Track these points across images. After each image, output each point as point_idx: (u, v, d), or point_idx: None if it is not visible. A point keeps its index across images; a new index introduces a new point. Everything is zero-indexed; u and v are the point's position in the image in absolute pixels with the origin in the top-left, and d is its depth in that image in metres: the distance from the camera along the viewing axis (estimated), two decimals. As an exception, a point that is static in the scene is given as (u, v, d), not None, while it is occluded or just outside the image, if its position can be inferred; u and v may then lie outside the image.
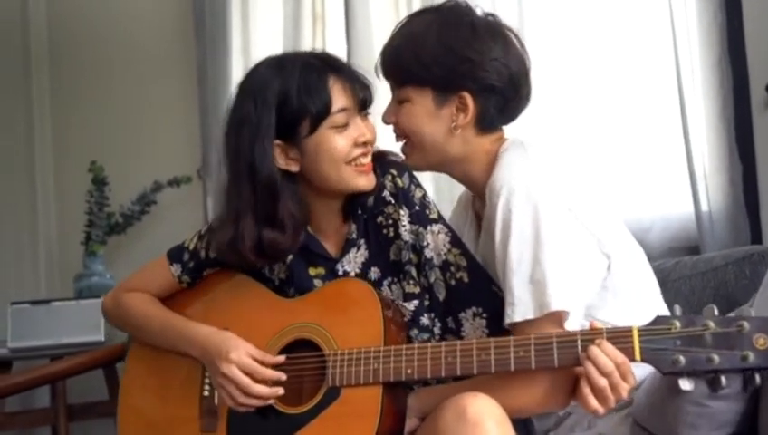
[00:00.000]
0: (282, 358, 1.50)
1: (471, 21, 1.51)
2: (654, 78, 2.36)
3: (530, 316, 1.38)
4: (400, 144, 1.60)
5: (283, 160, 1.52)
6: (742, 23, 2.25)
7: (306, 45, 2.70)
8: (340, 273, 1.60)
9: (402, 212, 1.55)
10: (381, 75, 1.59)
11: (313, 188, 1.56)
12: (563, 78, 2.37)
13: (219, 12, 2.82)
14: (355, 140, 1.51)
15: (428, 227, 1.54)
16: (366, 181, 1.53)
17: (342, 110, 1.49)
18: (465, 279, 1.51)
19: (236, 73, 2.77)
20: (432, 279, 1.54)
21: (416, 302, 1.54)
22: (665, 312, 1.48)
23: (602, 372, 1.24)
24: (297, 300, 1.59)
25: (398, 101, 1.55)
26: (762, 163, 2.25)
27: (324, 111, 1.48)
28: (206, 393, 1.56)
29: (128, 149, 2.99)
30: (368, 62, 1.68)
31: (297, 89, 1.48)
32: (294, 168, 1.53)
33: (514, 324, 1.40)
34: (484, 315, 1.49)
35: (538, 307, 1.37)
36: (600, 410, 1.25)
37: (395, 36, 1.57)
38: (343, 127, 1.50)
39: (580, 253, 1.43)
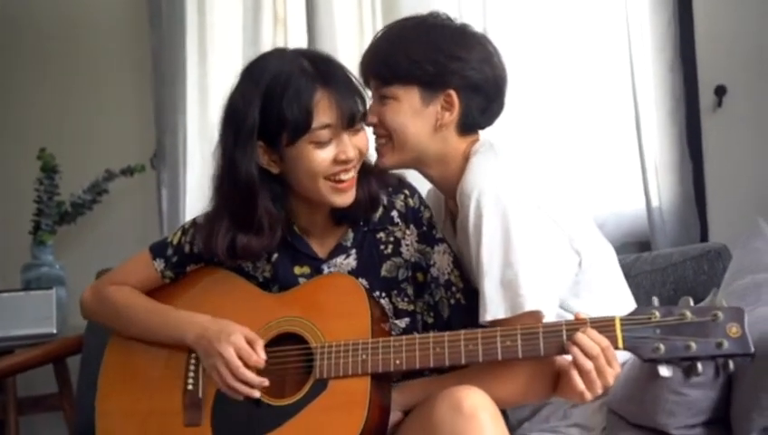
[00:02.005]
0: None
1: (458, 25, 1.57)
2: (610, 80, 2.45)
3: (500, 316, 1.42)
4: (380, 141, 1.60)
5: (265, 160, 1.51)
6: (693, 30, 2.36)
7: (266, 32, 2.67)
8: (326, 274, 1.61)
9: (408, 232, 1.59)
10: (364, 75, 1.60)
11: (291, 196, 1.56)
12: (524, 80, 2.42)
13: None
14: (335, 157, 1.48)
15: (435, 247, 1.58)
16: (342, 199, 1.51)
17: (326, 126, 1.46)
18: (463, 301, 1.55)
19: (192, 62, 2.73)
20: (437, 298, 1.57)
21: (407, 319, 1.57)
22: (633, 305, 1.56)
23: (588, 355, 1.29)
24: (282, 294, 1.59)
25: (381, 100, 1.56)
26: (709, 163, 2.37)
27: (304, 126, 1.45)
28: (191, 387, 1.56)
29: (78, 136, 2.90)
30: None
31: (281, 96, 1.45)
32: (275, 170, 1.52)
33: (496, 323, 1.43)
34: None
35: (510, 307, 1.41)
36: (587, 394, 1.31)
37: (381, 38, 1.60)
38: (325, 143, 1.47)
39: (551, 251, 1.47)
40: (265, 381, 1.48)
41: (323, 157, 1.47)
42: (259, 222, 1.52)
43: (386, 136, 1.58)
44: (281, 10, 2.72)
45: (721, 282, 1.80)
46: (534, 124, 2.48)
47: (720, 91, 2.35)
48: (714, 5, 2.36)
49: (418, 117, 1.54)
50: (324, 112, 1.45)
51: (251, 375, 1.46)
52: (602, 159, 2.47)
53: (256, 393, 1.48)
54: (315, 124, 1.45)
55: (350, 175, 1.51)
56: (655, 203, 2.36)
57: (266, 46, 2.67)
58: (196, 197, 2.75)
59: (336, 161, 1.48)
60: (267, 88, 1.46)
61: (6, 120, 2.96)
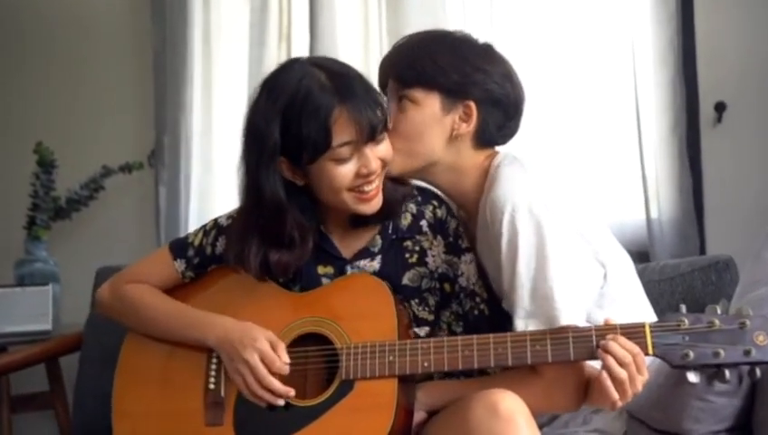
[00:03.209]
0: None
1: (483, 43, 1.60)
2: (613, 94, 2.49)
3: (536, 329, 1.43)
4: None
5: (289, 175, 1.51)
6: (694, 47, 2.41)
7: (273, 32, 2.66)
8: (350, 274, 1.61)
9: (436, 242, 1.59)
10: (383, 77, 1.60)
11: (317, 202, 1.56)
12: (529, 92, 2.43)
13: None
14: (357, 172, 1.47)
15: (462, 257, 1.59)
16: (368, 208, 1.51)
17: (346, 144, 1.44)
18: (486, 312, 1.56)
19: (196, 62, 2.71)
20: (467, 307, 1.58)
21: (427, 328, 1.58)
22: (653, 314, 1.59)
23: (621, 364, 1.31)
24: (306, 294, 1.59)
25: (400, 103, 1.55)
26: (708, 176, 2.42)
27: (324, 146, 1.43)
28: (212, 386, 1.54)
29: (76, 131, 2.86)
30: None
31: (299, 116, 1.43)
32: (300, 182, 1.52)
33: None
34: None
35: (547, 321, 1.42)
36: (620, 403, 1.32)
37: (405, 44, 1.60)
38: (347, 159, 1.46)
39: (580, 264, 1.49)
40: (291, 391, 1.47)
41: (345, 172, 1.46)
42: (290, 236, 1.51)
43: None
44: (285, 13, 2.71)
45: (728, 292, 1.84)
46: (539, 136, 2.50)
47: (720, 108, 2.40)
48: (715, 24, 2.42)
49: (436, 124, 1.54)
50: (343, 130, 1.44)
51: (277, 385, 1.46)
52: (604, 171, 2.51)
53: (281, 402, 1.47)
54: (335, 143, 1.43)
55: (374, 185, 1.50)
56: (654, 215, 2.41)
57: (272, 47, 2.67)
58: (198, 196, 2.75)
59: (358, 175, 1.47)
60: (286, 107, 1.45)
61: (2, 112, 2.91)
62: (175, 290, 1.66)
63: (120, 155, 2.75)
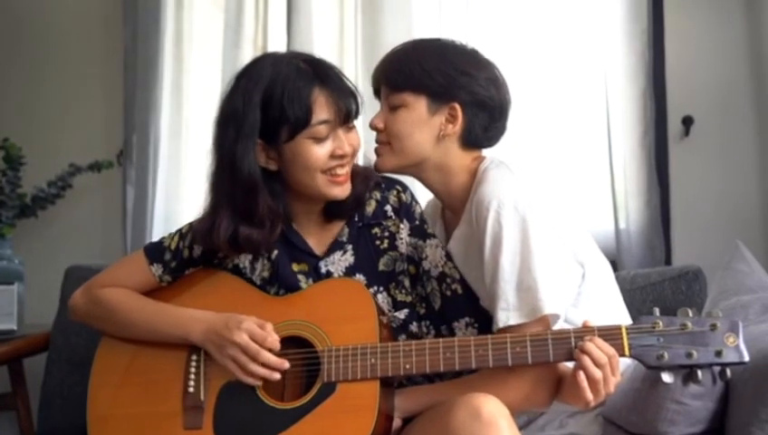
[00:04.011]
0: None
1: (470, 49, 1.65)
2: (585, 106, 2.54)
3: (520, 320, 1.47)
4: (380, 145, 1.65)
5: (263, 158, 1.54)
6: (664, 64, 2.47)
7: (248, 33, 2.66)
8: (323, 271, 1.63)
9: (402, 226, 1.63)
10: (376, 83, 1.65)
11: (288, 191, 1.58)
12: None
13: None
14: (332, 152, 1.53)
15: (427, 241, 1.62)
16: (339, 191, 1.56)
17: (323, 122, 1.51)
18: (459, 291, 1.59)
19: (167, 62, 2.68)
20: (429, 289, 1.60)
21: (406, 310, 1.60)
22: (627, 316, 1.63)
23: (597, 364, 1.35)
24: (285, 297, 1.60)
25: (391, 107, 1.62)
26: (674, 188, 2.48)
27: (304, 122, 1.50)
28: (191, 389, 1.53)
29: (43, 128, 2.80)
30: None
31: (281, 95, 1.50)
32: (273, 167, 1.55)
33: (508, 329, 1.48)
34: (476, 325, 1.57)
35: (531, 311, 1.46)
36: (592, 402, 1.36)
37: (397, 51, 1.65)
38: (323, 139, 1.52)
39: (561, 262, 1.54)
40: (285, 363, 1.48)
41: (321, 152, 1.52)
42: (260, 217, 1.54)
43: (386, 141, 1.63)
44: (261, 16, 2.71)
45: (697, 301, 1.90)
46: (511, 146, 2.51)
47: (687, 122, 2.47)
48: (684, 42, 2.48)
49: (424, 125, 1.60)
50: (322, 109, 1.50)
51: (272, 357, 1.47)
52: (575, 181, 2.55)
53: (276, 375, 1.48)
54: (314, 120, 1.50)
55: (346, 169, 1.57)
56: (623, 225, 2.46)
57: (247, 49, 2.66)
58: (166, 197, 2.72)
59: (333, 156, 1.53)
60: (267, 87, 1.51)
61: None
62: (152, 293, 1.64)
63: (87, 153, 2.71)
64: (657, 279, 1.97)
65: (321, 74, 1.53)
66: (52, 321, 2.30)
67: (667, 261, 2.44)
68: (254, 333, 1.47)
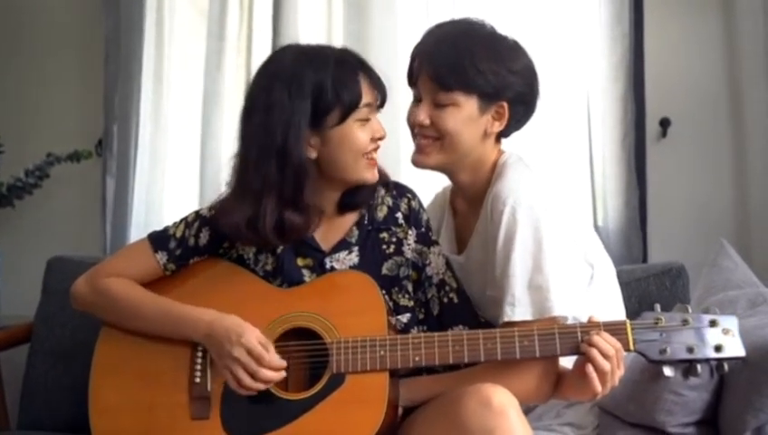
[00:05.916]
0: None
1: (512, 40, 1.65)
2: (566, 108, 2.58)
3: (528, 317, 1.50)
4: (426, 141, 1.65)
5: (306, 145, 1.55)
6: (643, 67, 2.54)
7: (232, 27, 2.64)
8: (328, 267, 1.64)
9: (410, 232, 1.66)
10: (420, 73, 1.62)
11: (318, 179, 1.59)
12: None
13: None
14: (373, 135, 1.59)
15: (431, 248, 1.66)
16: (372, 175, 1.61)
17: (368, 105, 1.57)
18: (455, 299, 1.63)
19: (148, 53, 2.65)
20: (429, 295, 1.64)
21: (408, 315, 1.63)
22: (625, 315, 1.68)
23: (605, 356, 1.39)
24: (292, 290, 1.60)
25: (437, 104, 1.61)
26: (651, 188, 2.55)
27: (354, 104, 1.54)
28: (198, 379, 1.53)
29: (20, 116, 2.75)
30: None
31: (332, 81, 1.53)
32: (313, 154, 1.57)
33: (513, 323, 1.51)
34: None
35: (538, 311, 1.49)
36: (600, 394, 1.40)
37: (443, 41, 1.62)
38: (366, 121, 1.57)
39: (573, 263, 1.57)
40: (282, 374, 1.48)
41: (365, 135, 1.58)
42: (305, 203, 1.56)
43: (434, 137, 1.63)
44: (246, 6, 2.69)
45: (680, 297, 1.96)
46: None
47: (665, 123, 2.54)
48: (663, 46, 2.55)
49: (472, 124, 1.61)
50: (367, 92, 1.57)
51: (269, 374, 1.47)
52: (555, 179, 2.59)
53: (270, 385, 1.49)
54: (363, 102, 1.55)
55: (377, 154, 1.62)
56: (601, 223, 2.52)
57: (232, 39, 2.65)
58: (146, 187, 2.69)
59: (373, 139, 1.59)
60: (316, 72, 1.53)
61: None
62: (156, 284, 1.63)
63: (65, 143, 2.66)
64: (642, 275, 2.03)
65: (362, 62, 1.60)
66: (33, 312, 2.26)
67: (644, 259, 2.51)
68: (253, 349, 1.47)
